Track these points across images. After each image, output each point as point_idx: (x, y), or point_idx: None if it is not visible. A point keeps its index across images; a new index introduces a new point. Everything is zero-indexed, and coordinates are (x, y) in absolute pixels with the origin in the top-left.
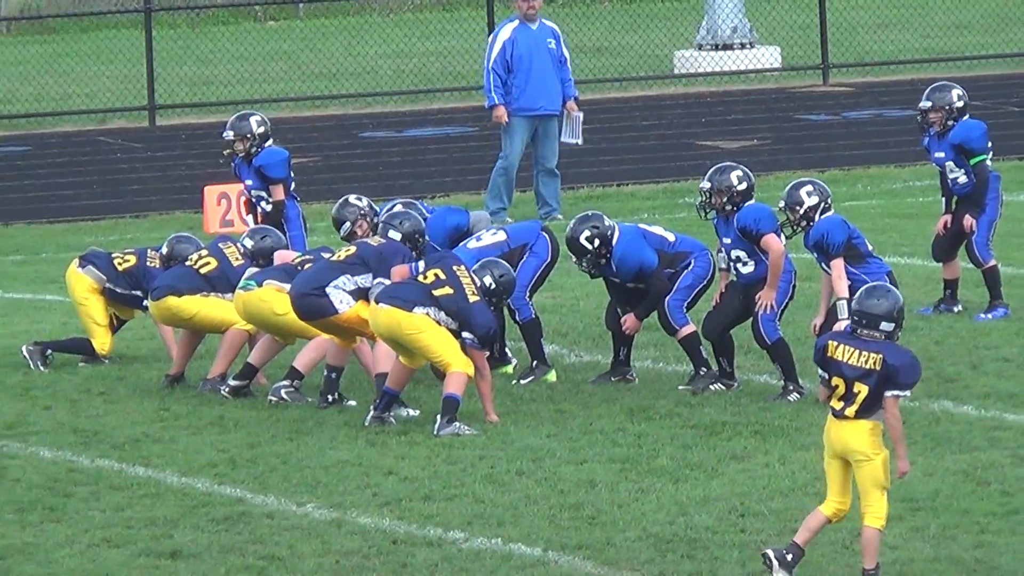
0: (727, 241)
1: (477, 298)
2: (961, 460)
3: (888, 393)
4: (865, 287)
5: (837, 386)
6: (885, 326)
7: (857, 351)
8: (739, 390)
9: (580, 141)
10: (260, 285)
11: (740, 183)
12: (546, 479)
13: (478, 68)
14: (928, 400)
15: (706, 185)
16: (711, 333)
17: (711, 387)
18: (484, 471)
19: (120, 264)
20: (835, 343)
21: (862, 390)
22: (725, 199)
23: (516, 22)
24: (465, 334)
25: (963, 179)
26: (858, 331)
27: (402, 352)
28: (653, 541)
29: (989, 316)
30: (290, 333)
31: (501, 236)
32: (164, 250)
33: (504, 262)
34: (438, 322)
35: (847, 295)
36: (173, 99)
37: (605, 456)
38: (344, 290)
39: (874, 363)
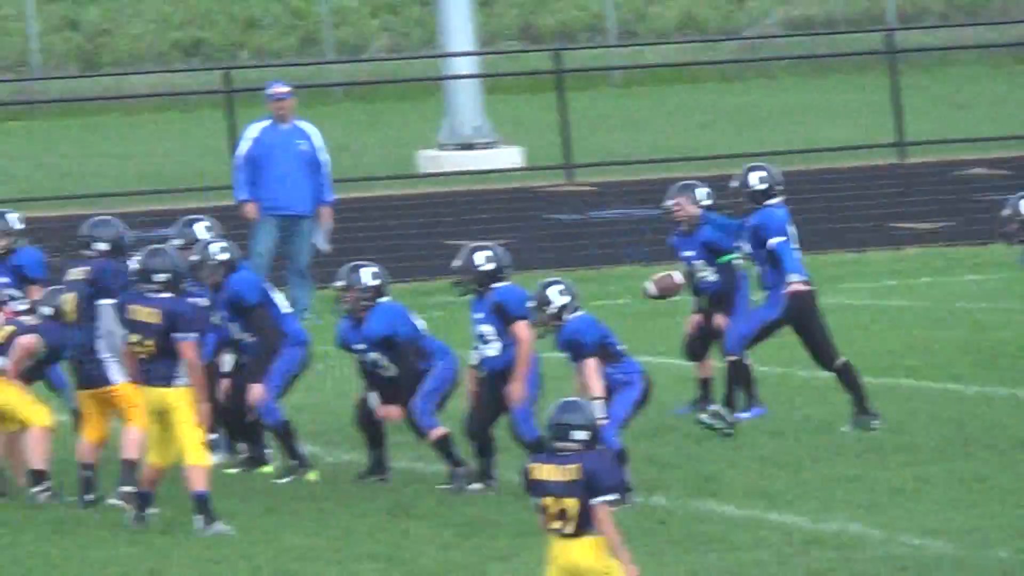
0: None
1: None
2: (726, 559)
3: (594, 501)
4: (558, 402)
5: (548, 506)
6: (577, 435)
7: (557, 467)
8: (500, 489)
9: (325, 248)
10: None
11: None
12: None
13: (217, 169)
14: (689, 499)
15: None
16: (474, 433)
17: (470, 486)
18: (247, 571)
19: None
20: (536, 465)
21: (572, 505)
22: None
23: (268, 121)
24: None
25: (712, 278)
26: (555, 446)
27: (156, 444)
28: None
29: (746, 415)
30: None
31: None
32: None
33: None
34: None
35: (603, 394)
36: None
37: (367, 555)
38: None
39: (574, 474)
